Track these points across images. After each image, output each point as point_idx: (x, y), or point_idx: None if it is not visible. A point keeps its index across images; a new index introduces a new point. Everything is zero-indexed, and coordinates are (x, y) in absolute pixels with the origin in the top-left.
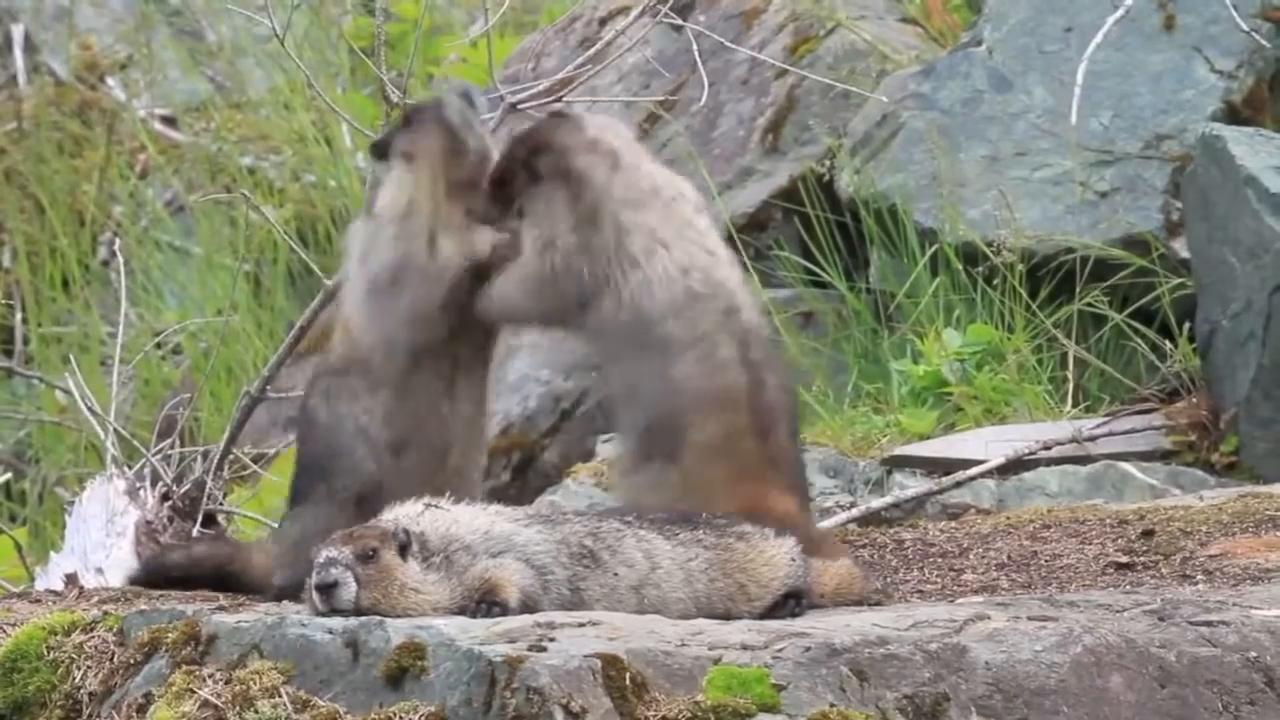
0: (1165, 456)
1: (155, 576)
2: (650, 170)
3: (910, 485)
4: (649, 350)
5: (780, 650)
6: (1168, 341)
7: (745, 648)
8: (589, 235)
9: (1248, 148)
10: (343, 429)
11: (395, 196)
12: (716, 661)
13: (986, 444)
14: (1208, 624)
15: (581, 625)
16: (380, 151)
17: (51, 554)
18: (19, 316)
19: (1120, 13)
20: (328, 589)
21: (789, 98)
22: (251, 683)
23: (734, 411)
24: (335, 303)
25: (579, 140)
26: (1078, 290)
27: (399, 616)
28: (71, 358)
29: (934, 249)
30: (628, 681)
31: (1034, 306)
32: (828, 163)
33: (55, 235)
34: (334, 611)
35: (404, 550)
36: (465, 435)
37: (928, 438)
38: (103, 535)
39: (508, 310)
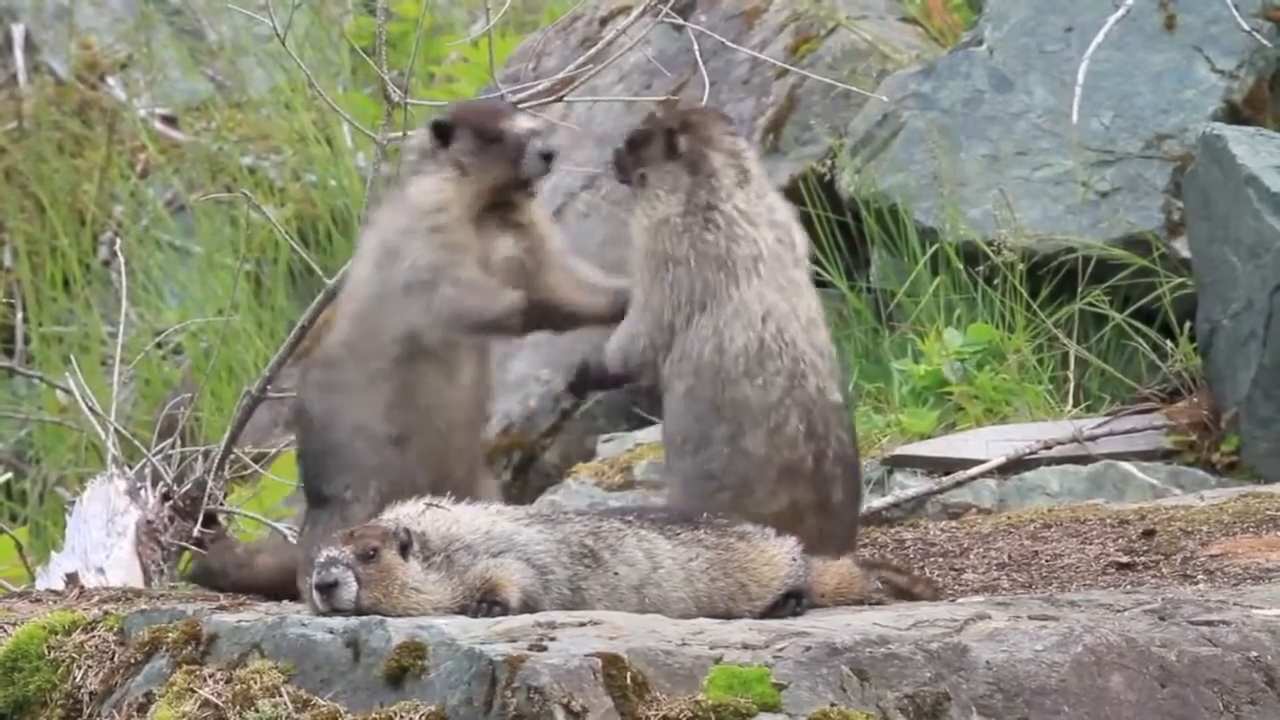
0: (1166, 456)
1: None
2: (773, 203)
3: (911, 485)
4: (722, 412)
5: (781, 650)
6: (1168, 341)
7: (746, 647)
8: (699, 230)
9: (1248, 147)
10: (339, 425)
11: (432, 193)
12: (717, 661)
13: (987, 443)
14: (1208, 624)
15: (582, 625)
16: (441, 133)
17: (52, 554)
18: (19, 316)
19: (1121, 12)
20: (328, 588)
21: (790, 97)
22: (252, 682)
23: (797, 489)
24: (342, 292)
25: (726, 141)
26: (1078, 290)
27: (399, 616)
28: (72, 357)
29: (934, 248)
30: (628, 681)
31: (1034, 306)
32: (828, 162)
33: (56, 235)
34: (335, 611)
35: (405, 550)
36: (468, 417)
37: (928, 437)
38: (103, 535)
39: (623, 342)
